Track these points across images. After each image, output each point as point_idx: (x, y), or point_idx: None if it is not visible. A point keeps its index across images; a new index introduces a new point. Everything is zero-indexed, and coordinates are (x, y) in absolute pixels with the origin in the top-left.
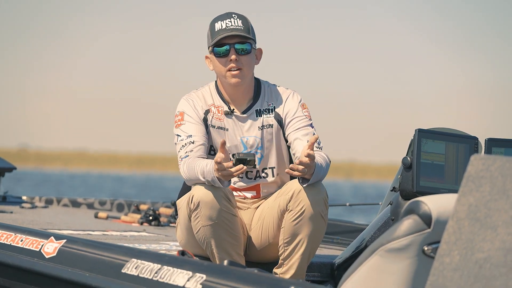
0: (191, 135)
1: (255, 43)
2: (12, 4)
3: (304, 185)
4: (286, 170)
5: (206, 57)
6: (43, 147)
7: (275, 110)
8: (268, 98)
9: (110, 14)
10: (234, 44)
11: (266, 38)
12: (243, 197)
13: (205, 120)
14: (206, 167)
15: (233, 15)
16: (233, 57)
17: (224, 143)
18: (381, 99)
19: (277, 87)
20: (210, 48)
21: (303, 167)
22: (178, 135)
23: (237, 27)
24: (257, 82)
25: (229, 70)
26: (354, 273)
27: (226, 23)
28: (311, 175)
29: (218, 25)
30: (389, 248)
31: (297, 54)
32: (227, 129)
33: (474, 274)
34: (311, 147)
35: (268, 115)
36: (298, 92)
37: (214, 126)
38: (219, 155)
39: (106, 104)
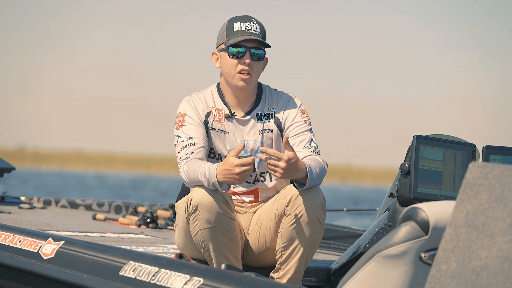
0: (192, 137)
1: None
2: (8, 1)
3: (300, 189)
4: (264, 149)
5: (213, 53)
6: (40, 147)
7: (275, 115)
8: (269, 103)
9: (107, 11)
10: (251, 48)
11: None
12: (241, 201)
13: (205, 123)
14: (209, 169)
15: (253, 20)
16: (247, 60)
17: (243, 147)
18: (379, 103)
19: (278, 92)
20: (223, 46)
21: (280, 155)
22: (178, 136)
23: (256, 32)
24: (259, 86)
25: (240, 72)
26: (351, 278)
27: (246, 26)
28: (305, 179)
29: (237, 26)
30: (386, 254)
31: (293, 57)
32: (228, 132)
33: (471, 282)
34: (287, 147)
35: (268, 120)
36: (298, 96)
37: (214, 129)
38: (235, 160)
39: (102, 103)
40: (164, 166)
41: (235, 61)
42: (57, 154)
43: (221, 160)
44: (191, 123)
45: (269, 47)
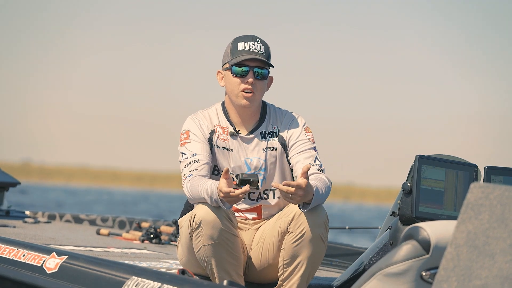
0: (196, 154)
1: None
2: (7, 16)
3: (305, 211)
4: (276, 185)
5: (218, 72)
6: (46, 162)
7: (280, 133)
8: (273, 121)
9: (107, 30)
10: (254, 68)
11: None
12: (244, 218)
13: (210, 140)
14: (211, 187)
15: (257, 39)
16: (250, 80)
17: (227, 171)
18: (381, 123)
19: (282, 111)
20: (228, 65)
21: (293, 189)
22: (183, 153)
23: (259, 52)
24: (263, 105)
25: (243, 91)
26: None
27: (250, 45)
28: (311, 200)
29: (241, 45)
30: (388, 273)
31: (298, 76)
32: (232, 150)
33: None
34: (304, 175)
35: (272, 138)
36: (302, 115)
37: (219, 147)
38: (223, 182)
39: (107, 121)
40: (167, 183)
41: (239, 80)
42: (62, 170)
43: None
44: (195, 140)
45: (273, 66)
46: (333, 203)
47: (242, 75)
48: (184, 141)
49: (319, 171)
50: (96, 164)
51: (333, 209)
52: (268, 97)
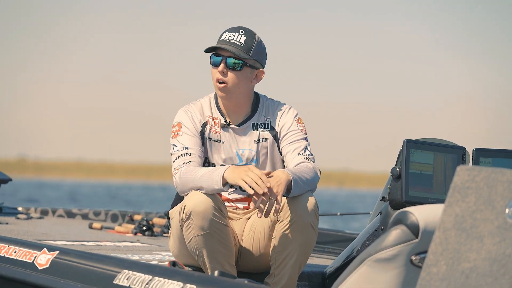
0: (187, 147)
1: (259, 63)
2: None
3: (288, 197)
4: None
5: None
6: (41, 157)
7: (271, 124)
8: (265, 113)
9: (99, 22)
10: (227, 58)
11: None
12: (235, 207)
13: (202, 133)
14: (213, 169)
15: (241, 30)
16: (220, 68)
17: (269, 173)
18: (376, 108)
19: (275, 102)
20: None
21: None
22: (174, 145)
23: (236, 42)
24: (256, 96)
25: (217, 81)
26: (343, 283)
27: (229, 36)
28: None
29: (223, 36)
30: (377, 258)
31: (290, 63)
32: (223, 142)
33: (460, 284)
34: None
35: (264, 129)
36: (294, 107)
37: (210, 139)
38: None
39: (101, 113)
40: (162, 175)
41: (214, 69)
42: (58, 164)
43: None
44: (187, 133)
45: (244, 59)
46: (328, 189)
47: (215, 64)
48: (176, 133)
49: (306, 160)
50: (92, 158)
51: (327, 195)
52: (261, 85)
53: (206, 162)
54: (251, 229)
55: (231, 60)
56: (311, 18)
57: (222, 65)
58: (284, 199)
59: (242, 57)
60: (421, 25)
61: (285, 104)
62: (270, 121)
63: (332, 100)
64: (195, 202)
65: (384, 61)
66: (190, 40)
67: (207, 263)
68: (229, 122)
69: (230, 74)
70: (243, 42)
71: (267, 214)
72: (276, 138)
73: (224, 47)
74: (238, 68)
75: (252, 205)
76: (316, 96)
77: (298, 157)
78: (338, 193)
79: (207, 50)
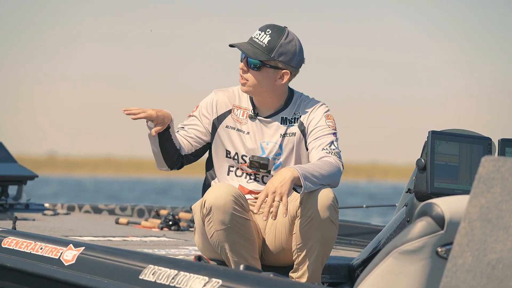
0: (184, 126)
1: (282, 64)
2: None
3: (301, 193)
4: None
5: None
6: (71, 154)
7: (300, 119)
8: (296, 108)
9: (119, 15)
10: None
11: None
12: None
13: (220, 120)
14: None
15: (268, 30)
16: (241, 65)
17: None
18: (405, 99)
19: (307, 98)
20: None
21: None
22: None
23: (257, 42)
24: (291, 92)
25: (240, 76)
26: (369, 275)
27: (256, 34)
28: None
29: (254, 33)
30: (403, 250)
31: (316, 55)
32: (248, 133)
33: (486, 275)
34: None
35: (292, 124)
36: (326, 103)
37: (229, 127)
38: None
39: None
40: (191, 170)
41: (241, 64)
42: (88, 161)
43: (237, 159)
44: (196, 116)
45: (256, 61)
46: (358, 181)
47: (241, 60)
48: (191, 112)
49: (329, 154)
50: (121, 154)
51: (358, 187)
52: (294, 83)
53: (228, 153)
54: (273, 224)
55: (251, 60)
56: (340, 17)
57: (244, 62)
58: (303, 194)
59: (258, 59)
60: (447, 17)
61: (319, 101)
62: (300, 116)
63: (361, 91)
64: (215, 196)
65: (415, 53)
66: (193, 36)
67: (230, 257)
68: (257, 113)
69: (250, 73)
70: (265, 43)
71: (274, 217)
72: (304, 133)
73: (241, 47)
74: (256, 69)
75: (256, 209)
76: (346, 87)
77: (321, 152)
78: (367, 186)
79: (231, 46)
